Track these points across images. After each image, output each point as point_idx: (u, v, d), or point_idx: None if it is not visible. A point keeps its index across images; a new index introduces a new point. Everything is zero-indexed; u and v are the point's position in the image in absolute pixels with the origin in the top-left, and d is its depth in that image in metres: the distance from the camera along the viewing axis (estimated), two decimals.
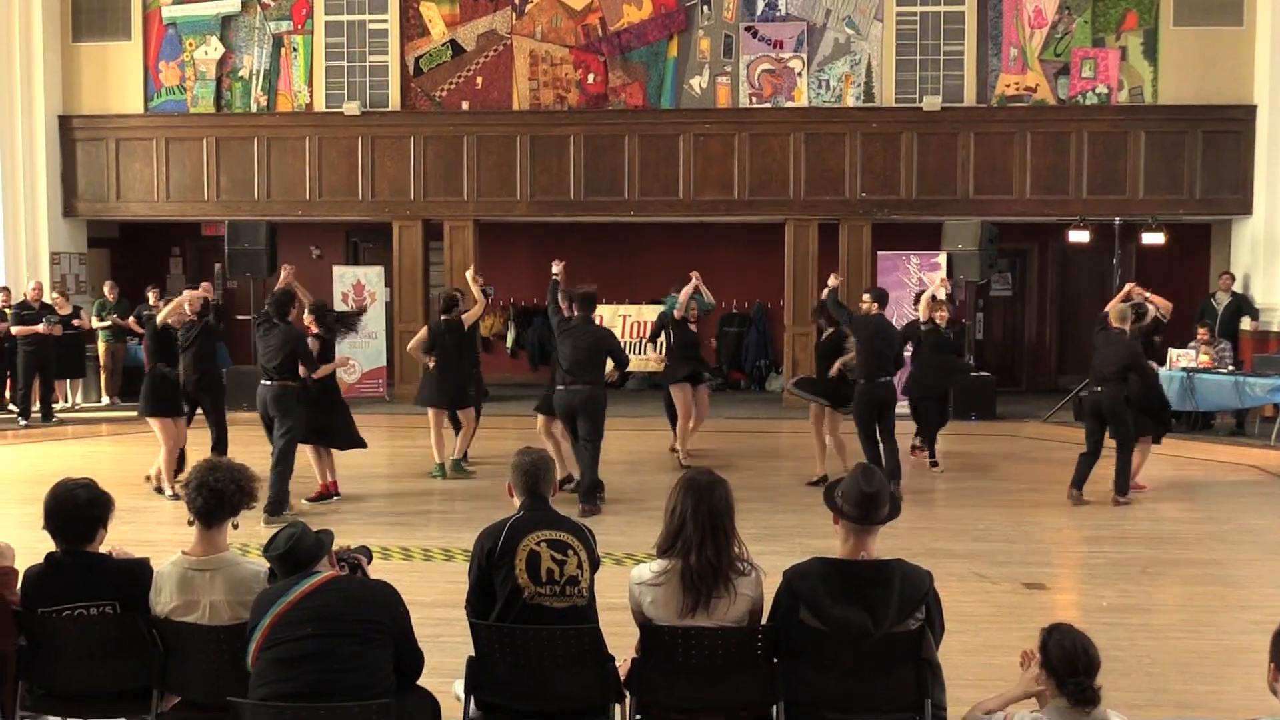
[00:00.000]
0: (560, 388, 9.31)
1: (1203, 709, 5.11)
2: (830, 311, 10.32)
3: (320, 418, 9.32)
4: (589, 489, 9.15)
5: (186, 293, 10.07)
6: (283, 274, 10.44)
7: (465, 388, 10.63)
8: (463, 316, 10.60)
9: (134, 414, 14.60)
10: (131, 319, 15.40)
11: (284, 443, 8.91)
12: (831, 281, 10.60)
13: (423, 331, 10.71)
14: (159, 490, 9.67)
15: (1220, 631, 6.35)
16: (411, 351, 10.89)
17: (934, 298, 11.25)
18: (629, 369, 15.96)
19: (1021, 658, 3.75)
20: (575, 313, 9.39)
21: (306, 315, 9.63)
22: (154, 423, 9.70)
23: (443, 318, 10.56)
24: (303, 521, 3.91)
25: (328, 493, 9.59)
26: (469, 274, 11.54)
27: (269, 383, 9.00)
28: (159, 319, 9.77)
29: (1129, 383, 9.50)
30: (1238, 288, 14.76)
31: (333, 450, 9.65)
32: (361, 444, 9.69)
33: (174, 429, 9.73)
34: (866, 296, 10.28)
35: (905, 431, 11.58)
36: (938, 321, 11.07)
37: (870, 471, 3.99)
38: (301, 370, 9.06)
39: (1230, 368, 13.04)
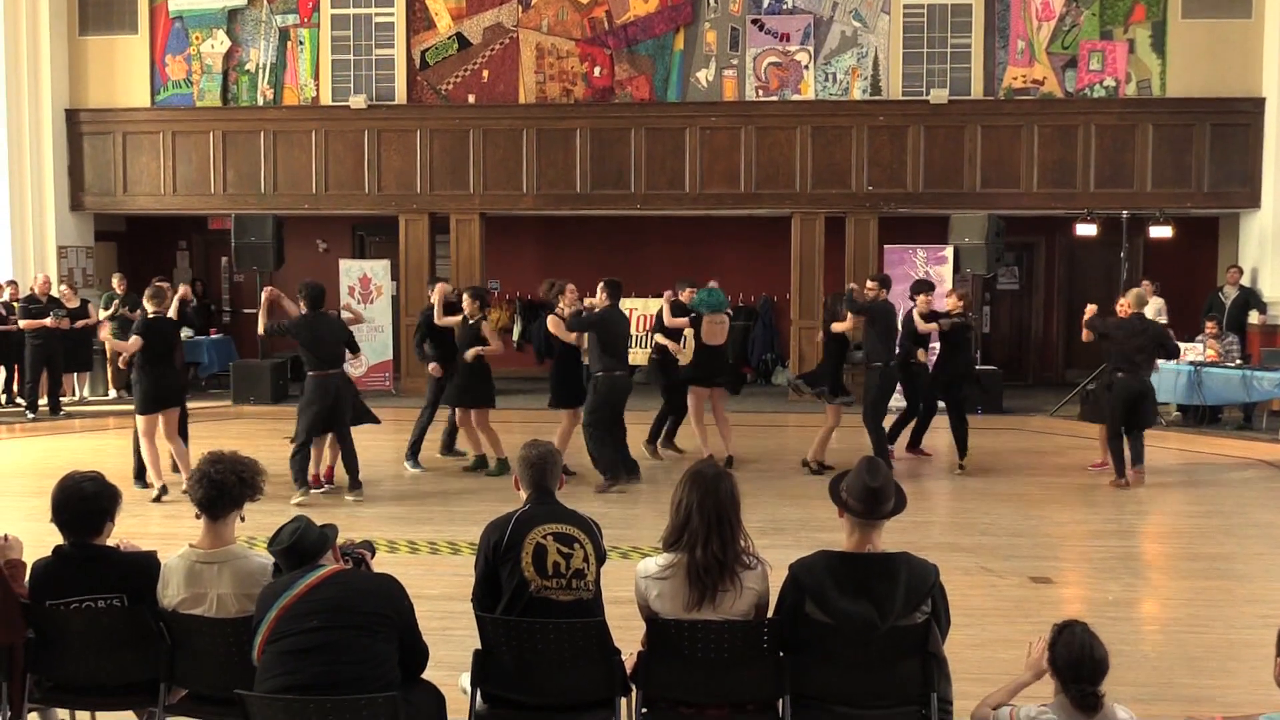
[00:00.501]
0: (612, 374, 9.63)
1: (1209, 703, 5.10)
2: (844, 305, 10.33)
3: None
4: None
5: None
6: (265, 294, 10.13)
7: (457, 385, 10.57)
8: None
9: None
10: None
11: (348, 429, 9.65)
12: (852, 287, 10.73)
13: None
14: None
15: (1227, 626, 6.34)
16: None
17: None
18: (637, 363, 16.07)
19: (1029, 650, 3.74)
20: (606, 299, 9.83)
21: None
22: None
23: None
24: (306, 516, 3.91)
25: (319, 482, 9.76)
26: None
27: (333, 371, 9.36)
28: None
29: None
30: (1245, 281, 14.73)
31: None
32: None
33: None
34: (873, 283, 10.40)
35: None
36: (952, 311, 10.86)
37: (875, 465, 3.97)
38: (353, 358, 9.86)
39: (1238, 361, 13.01)
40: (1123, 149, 15.09)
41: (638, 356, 15.08)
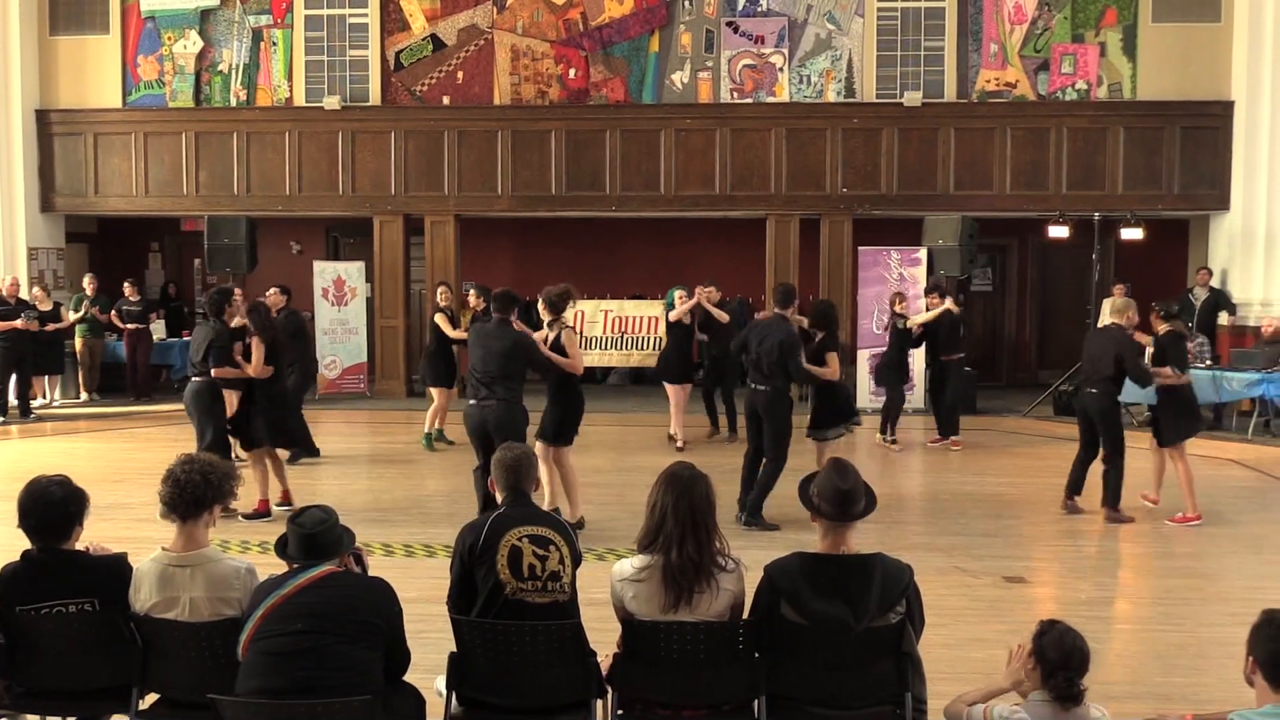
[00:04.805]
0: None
1: (1180, 701, 5.14)
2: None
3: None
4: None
5: None
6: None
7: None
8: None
9: (115, 410, 14.58)
10: (112, 314, 15.37)
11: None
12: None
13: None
14: None
15: (1198, 624, 6.40)
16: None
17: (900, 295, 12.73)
18: (613, 365, 16.14)
19: (1009, 658, 3.76)
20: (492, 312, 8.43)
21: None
22: None
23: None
24: (335, 510, 3.87)
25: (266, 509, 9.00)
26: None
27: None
28: None
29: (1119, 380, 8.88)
30: (1215, 283, 14.87)
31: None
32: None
33: None
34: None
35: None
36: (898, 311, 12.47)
37: (845, 467, 3.99)
38: None
39: (1208, 362, 13.13)
40: (1094, 151, 15.21)
41: (613, 359, 15.11)
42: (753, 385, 8.67)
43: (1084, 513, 9.02)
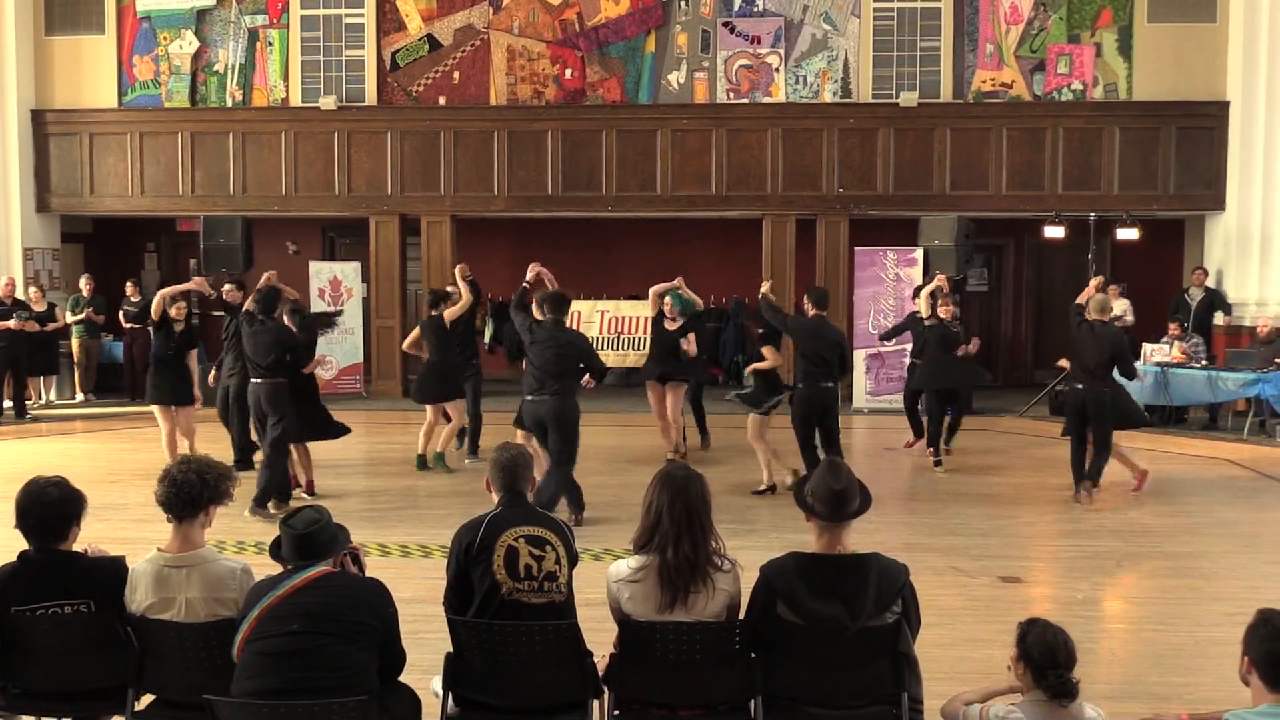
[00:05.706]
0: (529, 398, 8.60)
1: (1176, 701, 5.15)
2: (764, 315, 9.95)
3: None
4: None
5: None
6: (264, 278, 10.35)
7: (446, 382, 10.80)
8: (444, 313, 10.75)
9: (112, 410, 14.56)
10: (120, 314, 15.36)
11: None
12: (763, 288, 10.19)
13: (415, 330, 11.21)
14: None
15: (1194, 624, 6.40)
16: (406, 348, 11.03)
17: (933, 293, 11.27)
18: (610, 365, 16.04)
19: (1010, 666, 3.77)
20: (547, 315, 8.64)
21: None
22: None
23: (430, 313, 10.87)
24: (328, 511, 3.87)
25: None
26: (458, 270, 11.58)
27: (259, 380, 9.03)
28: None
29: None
30: (1211, 283, 14.89)
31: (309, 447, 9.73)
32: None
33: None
34: (806, 299, 9.74)
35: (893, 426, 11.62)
36: (943, 316, 11.10)
37: (838, 467, 3.99)
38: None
39: (1203, 362, 13.15)
40: (1090, 151, 15.23)
41: (609, 359, 15.06)
42: (815, 384, 9.26)
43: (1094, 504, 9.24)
